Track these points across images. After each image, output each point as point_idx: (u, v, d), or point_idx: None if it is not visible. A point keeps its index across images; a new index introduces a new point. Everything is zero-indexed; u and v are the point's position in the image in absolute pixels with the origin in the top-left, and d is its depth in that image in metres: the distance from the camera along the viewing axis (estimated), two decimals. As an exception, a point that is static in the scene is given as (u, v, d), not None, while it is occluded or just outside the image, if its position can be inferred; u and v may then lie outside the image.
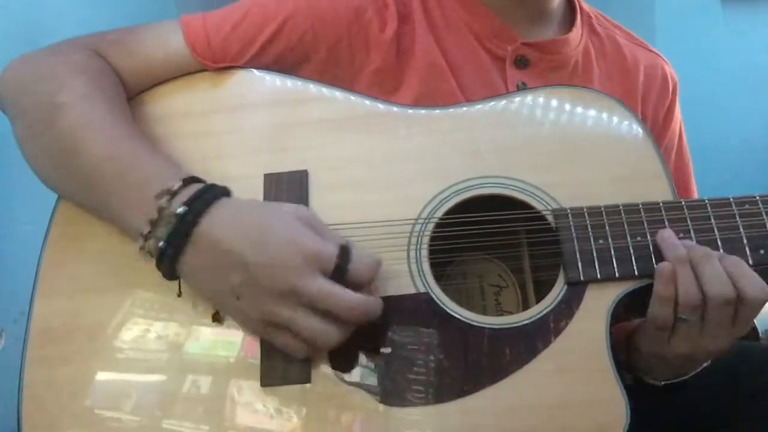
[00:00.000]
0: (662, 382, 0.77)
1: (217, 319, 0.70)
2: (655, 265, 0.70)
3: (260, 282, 0.63)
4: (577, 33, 0.92)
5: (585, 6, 0.96)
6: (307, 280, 0.62)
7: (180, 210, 0.64)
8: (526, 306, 0.81)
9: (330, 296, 0.62)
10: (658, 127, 0.95)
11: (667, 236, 0.71)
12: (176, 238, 0.64)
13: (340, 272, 0.63)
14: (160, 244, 0.64)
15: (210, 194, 0.66)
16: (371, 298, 0.65)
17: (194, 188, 0.67)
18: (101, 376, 0.70)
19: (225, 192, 0.68)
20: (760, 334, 1.41)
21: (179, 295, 0.70)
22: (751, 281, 0.67)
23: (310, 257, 0.63)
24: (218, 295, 0.67)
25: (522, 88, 0.86)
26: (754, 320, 1.10)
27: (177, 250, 0.65)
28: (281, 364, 0.68)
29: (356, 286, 0.65)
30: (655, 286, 0.69)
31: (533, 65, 0.88)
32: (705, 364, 0.76)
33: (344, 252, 0.64)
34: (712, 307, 0.67)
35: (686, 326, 0.69)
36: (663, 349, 0.72)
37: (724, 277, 0.67)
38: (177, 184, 0.66)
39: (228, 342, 0.69)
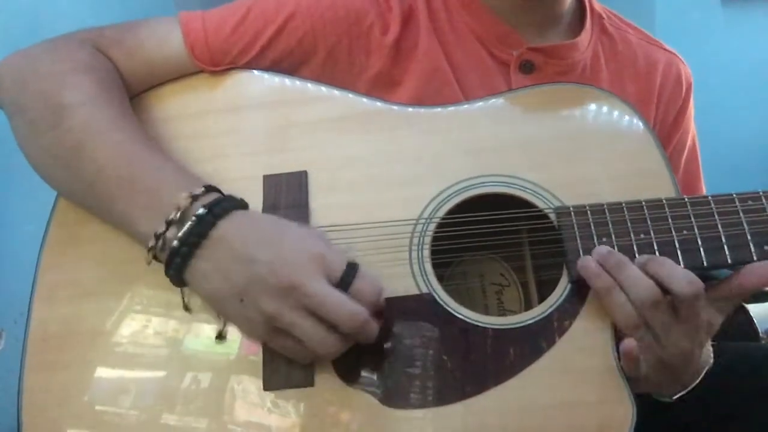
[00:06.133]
0: (672, 398, 0.75)
1: (221, 337, 0.70)
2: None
3: (264, 279, 0.62)
4: (586, 36, 0.91)
5: (596, 6, 0.95)
6: (310, 280, 0.62)
7: (200, 211, 0.65)
8: (528, 305, 0.81)
9: (329, 300, 0.62)
10: (667, 127, 0.94)
11: (585, 264, 0.69)
12: (192, 237, 0.64)
13: (344, 283, 0.63)
14: (174, 243, 0.64)
15: (229, 203, 0.67)
16: (371, 318, 0.64)
17: (215, 195, 0.67)
18: (101, 381, 0.69)
19: (243, 204, 0.69)
20: (761, 334, 1.40)
21: (186, 309, 0.70)
22: (675, 278, 0.65)
23: (317, 259, 0.63)
24: (222, 300, 0.66)
25: None
26: (755, 321, 1.10)
27: (190, 251, 0.64)
28: (284, 368, 0.67)
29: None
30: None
31: (539, 70, 0.87)
32: (707, 367, 0.74)
33: (351, 267, 0.64)
34: (645, 313, 0.66)
35: (643, 341, 0.67)
36: (639, 371, 0.69)
37: (645, 280, 0.65)
38: (199, 189, 0.67)
39: (229, 347, 0.69)
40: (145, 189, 0.69)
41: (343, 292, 0.63)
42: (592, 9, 0.94)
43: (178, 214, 0.65)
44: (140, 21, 0.84)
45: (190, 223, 0.64)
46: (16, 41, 0.79)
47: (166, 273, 0.66)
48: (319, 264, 0.63)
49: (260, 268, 0.62)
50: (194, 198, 0.66)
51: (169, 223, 0.65)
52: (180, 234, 0.64)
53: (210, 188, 0.68)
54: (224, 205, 0.66)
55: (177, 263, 0.65)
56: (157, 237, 0.65)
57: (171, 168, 0.71)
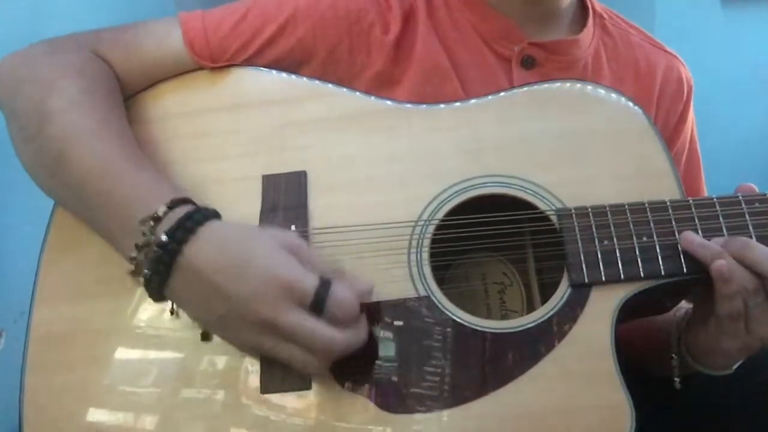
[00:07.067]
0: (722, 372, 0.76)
1: (206, 338, 0.69)
2: (660, 266, 0.69)
3: (240, 314, 0.62)
4: (588, 34, 0.90)
5: (598, 6, 0.95)
6: (283, 314, 0.61)
7: (163, 238, 0.62)
8: (531, 305, 0.80)
9: (304, 331, 0.61)
10: (670, 130, 0.93)
11: (692, 239, 0.70)
12: (160, 266, 0.63)
13: (317, 306, 0.62)
14: (145, 271, 0.63)
15: (193, 221, 0.64)
16: (350, 332, 0.63)
17: (180, 212, 0.64)
18: (101, 381, 0.69)
19: (212, 215, 0.66)
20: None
21: (172, 313, 0.70)
22: None
23: (287, 290, 0.61)
24: (205, 322, 0.67)
25: None
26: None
27: (162, 278, 0.63)
28: (281, 372, 0.66)
29: (337, 321, 0.62)
30: (716, 286, 0.67)
31: (540, 65, 0.87)
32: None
33: (324, 286, 0.62)
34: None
35: (760, 307, 0.68)
36: (733, 342, 0.70)
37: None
38: (162, 209, 0.64)
39: (227, 350, 0.68)
40: (120, 206, 0.67)
41: (319, 315, 0.62)
42: (594, 9, 0.94)
43: (144, 241, 0.63)
44: (139, 22, 0.83)
45: (155, 251, 0.62)
46: (16, 41, 0.79)
47: (146, 292, 0.65)
48: (290, 292, 0.61)
49: (234, 302, 0.61)
50: (157, 220, 0.64)
51: (138, 248, 0.64)
52: (148, 263, 0.63)
53: (175, 203, 0.65)
54: (188, 225, 0.63)
55: (152, 287, 0.64)
56: (130, 261, 0.64)
57: (146, 182, 0.69)
